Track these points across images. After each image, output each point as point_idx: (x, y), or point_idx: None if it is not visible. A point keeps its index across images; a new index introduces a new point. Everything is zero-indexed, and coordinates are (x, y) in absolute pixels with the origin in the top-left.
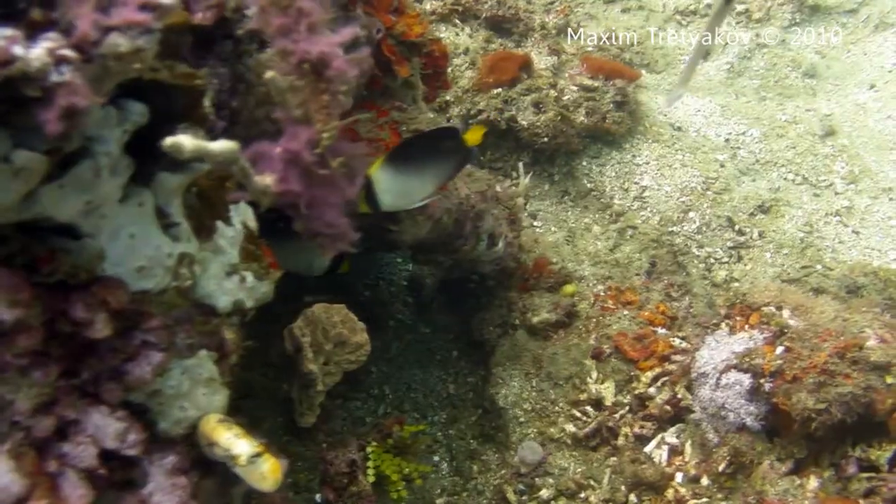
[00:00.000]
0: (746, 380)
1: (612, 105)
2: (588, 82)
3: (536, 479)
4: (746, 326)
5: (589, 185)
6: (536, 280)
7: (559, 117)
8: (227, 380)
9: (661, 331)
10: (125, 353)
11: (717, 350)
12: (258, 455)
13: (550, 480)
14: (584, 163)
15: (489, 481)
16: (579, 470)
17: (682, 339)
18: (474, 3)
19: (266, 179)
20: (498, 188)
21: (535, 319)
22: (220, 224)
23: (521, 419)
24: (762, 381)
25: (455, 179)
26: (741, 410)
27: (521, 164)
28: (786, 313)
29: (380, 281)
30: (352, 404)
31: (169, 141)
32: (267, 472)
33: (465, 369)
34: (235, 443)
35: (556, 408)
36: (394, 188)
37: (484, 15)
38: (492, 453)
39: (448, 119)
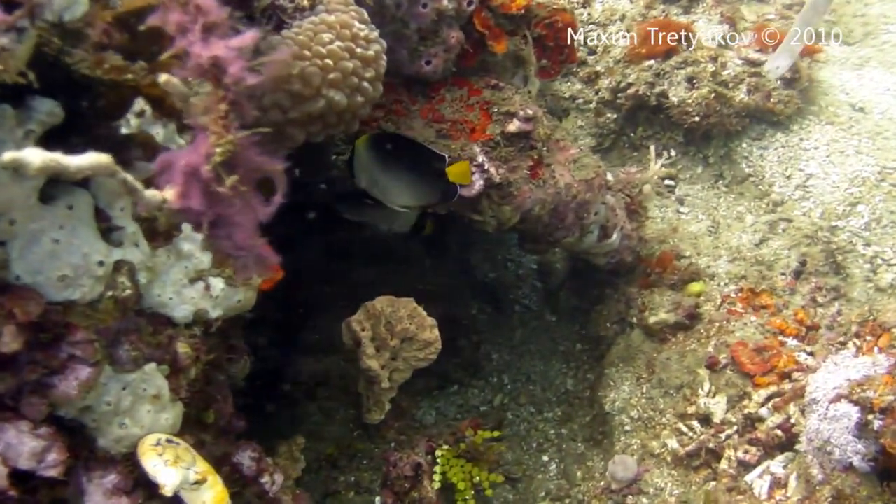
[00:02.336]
0: (855, 413)
1: (778, 82)
2: (755, 56)
3: (629, 496)
4: (876, 349)
5: (747, 170)
6: (659, 276)
7: (713, 94)
8: (184, 395)
9: (790, 342)
10: (49, 367)
11: (834, 374)
12: (200, 483)
13: (644, 501)
14: (744, 145)
15: (591, 490)
16: (676, 492)
17: (810, 354)
18: None
19: (164, 194)
20: (622, 173)
21: (652, 320)
22: (185, 226)
23: (627, 427)
24: (871, 416)
25: (555, 165)
26: (848, 448)
27: (652, 148)
28: None
29: (508, 263)
30: (469, 392)
31: (7, 157)
32: (209, 500)
33: (587, 364)
34: (161, 471)
35: (664, 419)
36: (369, 173)
37: None
38: (598, 459)
39: (596, 92)
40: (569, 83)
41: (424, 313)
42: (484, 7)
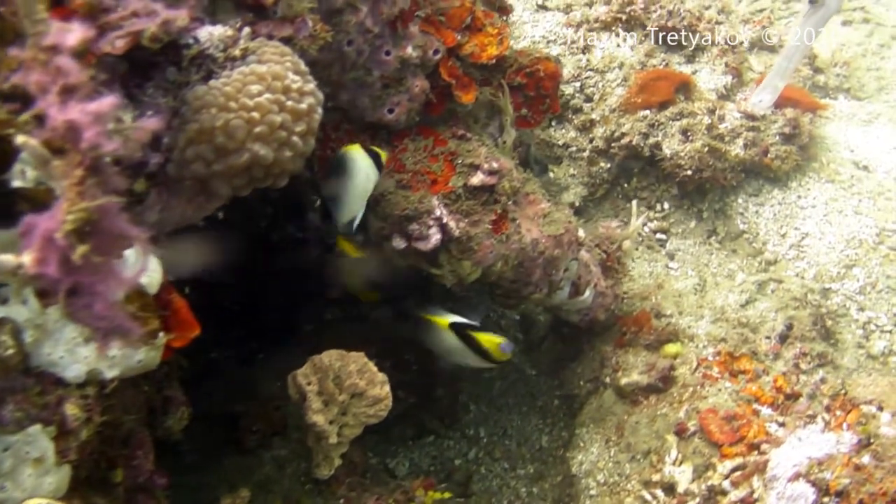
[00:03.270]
0: (811, 494)
1: (777, 137)
2: (754, 110)
3: None
4: (844, 425)
5: (742, 226)
6: (635, 335)
7: (707, 148)
8: (73, 458)
9: (765, 410)
10: None
11: (797, 450)
12: None
13: None
14: (740, 200)
15: None
16: None
17: (781, 424)
18: (642, 12)
19: (21, 258)
20: (602, 228)
21: (624, 381)
22: None
23: (593, 491)
24: (826, 499)
25: (522, 220)
26: None
27: (634, 203)
28: (884, 417)
29: (491, 313)
30: (445, 443)
31: None
32: None
33: (562, 422)
34: None
35: (629, 485)
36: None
37: (651, 27)
38: None
39: (590, 140)
40: (563, 130)
41: (375, 369)
42: (452, 56)
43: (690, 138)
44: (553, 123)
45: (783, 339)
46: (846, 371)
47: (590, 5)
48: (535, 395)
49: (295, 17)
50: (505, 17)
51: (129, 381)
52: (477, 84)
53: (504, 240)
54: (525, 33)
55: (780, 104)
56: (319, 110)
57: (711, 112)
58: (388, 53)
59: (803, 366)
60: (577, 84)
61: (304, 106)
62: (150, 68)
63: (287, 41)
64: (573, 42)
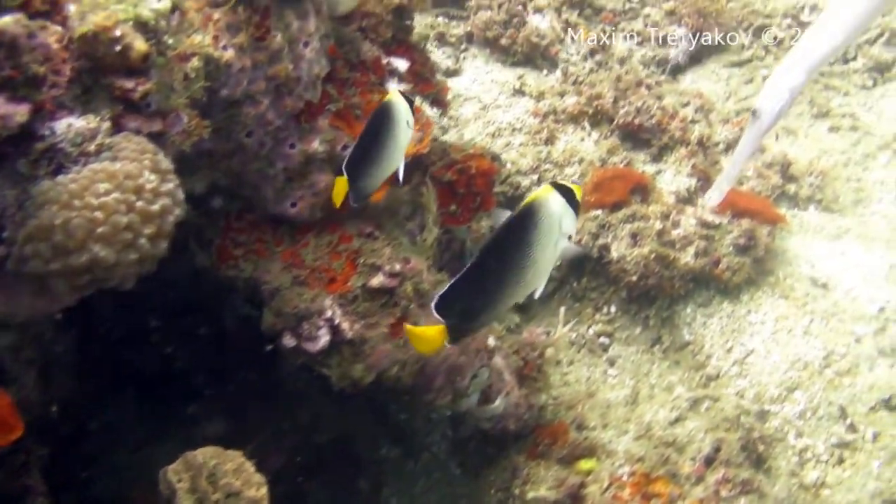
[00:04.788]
0: None
1: (731, 248)
2: (710, 217)
3: None
4: None
5: (687, 337)
6: (549, 447)
7: (654, 255)
8: None
9: None
10: None
11: None
12: None
13: None
14: (689, 310)
15: None
16: None
17: None
18: (611, 106)
19: None
20: (525, 333)
21: (531, 495)
22: None
23: None
24: None
25: (428, 324)
26: None
27: (562, 310)
28: None
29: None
30: None
31: None
32: None
33: None
34: None
35: None
36: None
37: (619, 121)
38: None
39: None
40: None
41: (252, 469)
42: None
43: (639, 243)
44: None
45: (709, 462)
46: (773, 501)
47: (561, 95)
48: (457, 496)
49: (169, 111)
50: (440, 111)
51: None
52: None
53: (402, 344)
54: (495, 118)
55: (739, 214)
56: (177, 211)
57: (665, 217)
58: (292, 146)
59: (724, 493)
60: (535, 176)
61: (156, 207)
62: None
63: (158, 136)
64: (537, 132)
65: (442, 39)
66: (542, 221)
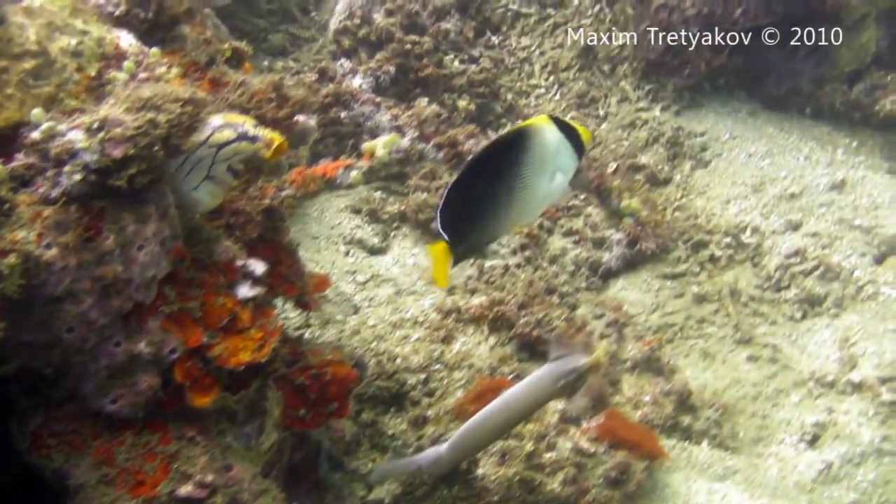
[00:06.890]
0: None
1: (602, 480)
2: (585, 444)
3: None
4: None
5: None
6: None
7: (517, 478)
8: None
9: None
10: None
11: None
12: None
13: None
14: None
15: None
16: None
17: None
18: (516, 311)
19: None
20: None
21: None
22: None
23: None
24: None
25: None
26: None
27: None
28: None
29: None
30: None
31: None
32: None
33: None
34: None
35: None
36: None
37: (517, 330)
38: None
39: (418, 438)
40: (398, 419)
41: None
42: (194, 356)
43: (507, 463)
44: (392, 410)
45: None
46: None
47: (472, 292)
48: None
49: None
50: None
51: None
52: (223, 386)
53: None
54: (404, 306)
55: (616, 444)
56: None
57: (541, 438)
58: (117, 345)
59: None
60: (424, 375)
61: None
62: None
63: None
64: (437, 329)
65: (373, 215)
66: (534, 148)
